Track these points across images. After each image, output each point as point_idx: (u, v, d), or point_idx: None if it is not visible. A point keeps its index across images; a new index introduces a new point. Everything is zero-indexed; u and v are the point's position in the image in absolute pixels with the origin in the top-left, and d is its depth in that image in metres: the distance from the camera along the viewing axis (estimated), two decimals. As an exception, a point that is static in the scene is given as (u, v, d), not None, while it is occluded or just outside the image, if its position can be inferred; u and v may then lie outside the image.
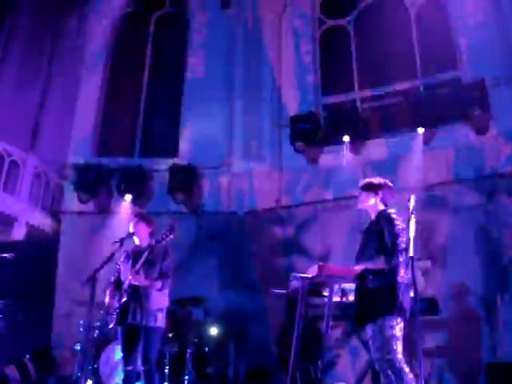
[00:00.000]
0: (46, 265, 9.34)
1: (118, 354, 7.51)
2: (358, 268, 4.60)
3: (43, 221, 9.97)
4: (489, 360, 7.11)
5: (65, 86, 10.36)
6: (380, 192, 4.78)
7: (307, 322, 5.44)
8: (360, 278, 4.58)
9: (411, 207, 4.36)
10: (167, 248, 5.48)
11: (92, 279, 5.13)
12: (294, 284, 5.26)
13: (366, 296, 4.44)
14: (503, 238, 7.65)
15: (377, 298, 4.34)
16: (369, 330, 4.42)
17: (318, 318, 5.84)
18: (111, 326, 5.38)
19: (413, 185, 8.24)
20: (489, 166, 8.10)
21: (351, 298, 5.38)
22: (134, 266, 5.35)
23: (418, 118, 8.66)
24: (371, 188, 4.83)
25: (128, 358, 5.32)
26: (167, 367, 7.48)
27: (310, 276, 4.91)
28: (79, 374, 7.34)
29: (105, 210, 9.95)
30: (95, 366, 7.52)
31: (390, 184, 4.84)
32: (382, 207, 4.75)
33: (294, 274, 5.35)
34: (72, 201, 9.95)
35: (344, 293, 5.41)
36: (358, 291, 4.60)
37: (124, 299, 5.26)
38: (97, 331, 7.69)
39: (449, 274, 7.62)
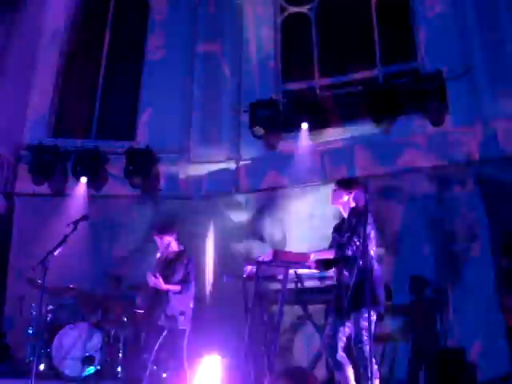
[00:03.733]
0: (-2, 245, 9.17)
1: (70, 338, 7.47)
2: (312, 257, 4.77)
3: (-4, 202, 9.75)
4: (439, 345, 7.30)
5: (19, 65, 10.11)
6: (354, 191, 4.90)
7: (261, 307, 5.47)
8: (337, 273, 4.71)
9: (366, 197, 4.44)
10: (187, 254, 5.99)
11: (43, 262, 5.06)
12: (249, 269, 5.29)
13: (345, 291, 4.54)
14: (455, 227, 7.82)
15: (355, 292, 4.43)
16: (346, 322, 4.61)
17: (272, 303, 5.88)
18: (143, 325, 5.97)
19: (369, 173, 8.38)
20: (443, 157, 8.24)
21: (307, 283, 5.50)
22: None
23: (376, 108, 8.73)
24: (345, 186, 4.95)
25: (146, 349, 5.68)
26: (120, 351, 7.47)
27: (264, 260, 4.95)
28: (31, 357, 7.26)
29: (60, 193, 9.77)
30: (48, 349, 7.44)
31: (363, 185, 4.94)
32: (353, 205, 4.86)
33: (249, 258, 5.40)
34: (26, 182, 9.74)
35: (299, 278, 5.47)
36: (337, 285, 4.74)
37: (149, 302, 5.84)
38: (50, 315, 7.62)
39: (402, 262, 7.77)
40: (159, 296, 5.74)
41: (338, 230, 4.98)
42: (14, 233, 9.54)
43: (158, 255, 6.12)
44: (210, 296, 8.80)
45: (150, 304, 5.82)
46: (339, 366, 4.57)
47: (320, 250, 4.92)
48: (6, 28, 9.72)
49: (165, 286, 5.69)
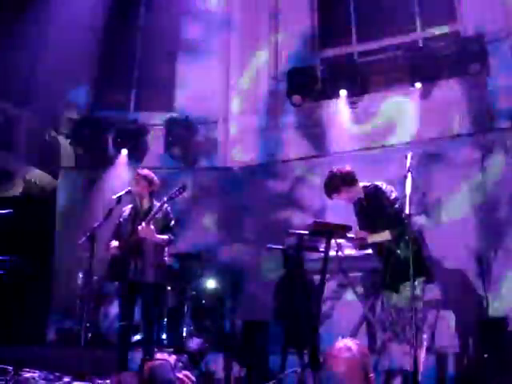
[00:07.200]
0: (44, 219, 9.38)
1: (116, 307, 7.66)
2: (361, 234, 4.76)
3: (40, 176, 9.95)
4: (481, 314, 7.24)
5: (59, 37, 10.17)
6: (355, 180, 5.01)
7: (303, 276, 5.53)
8: (387, 249, 4.69)
9: (408, 164, 4.40)
10: (169, 208, 5.66)
11: (90, 236, 5.18)
12: (291, 240, 5.33)
13: (396, 264, 4.52)
14: (498, 193, 7.69)
15: (406, 264, 4.35)
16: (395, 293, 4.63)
17: (314, 272, 5.92)
18: (108, 280, 5.55)
19: (410, 140, 8.28)
20: (486, 122, 8.08)
21: (347, 251, 5.53)
22: (138, 222, 5.47)
23: (416, 72, 8.57)
24: (349, 181, 4.93)
25: (125, 314, 5.47)
26: (165, 320, 7.62)
27: (306, 232, 4.99)
28: (79, 327, 7.48)
29: (101, 165, 9.91)
30: (95, 318, 7.65)
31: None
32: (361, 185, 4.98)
33: (290, 230, 5.42)
34: (68, 155, 9.93)
35: (339, 247, 5.50)
36: (386, 260, 4.72)
37: (125, 255, 5.45)
38: (96, 285, 7.80)
39: (443, 229, 7.69)
40: (139, 249, 5.42)
41: (364, 215, 4.99)
42: (59, 205, 9.75)
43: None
44: (252, 266, 8.86)
45: (126, 257, 5.46)
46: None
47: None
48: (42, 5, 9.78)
49: (156, 237, 5.41)
